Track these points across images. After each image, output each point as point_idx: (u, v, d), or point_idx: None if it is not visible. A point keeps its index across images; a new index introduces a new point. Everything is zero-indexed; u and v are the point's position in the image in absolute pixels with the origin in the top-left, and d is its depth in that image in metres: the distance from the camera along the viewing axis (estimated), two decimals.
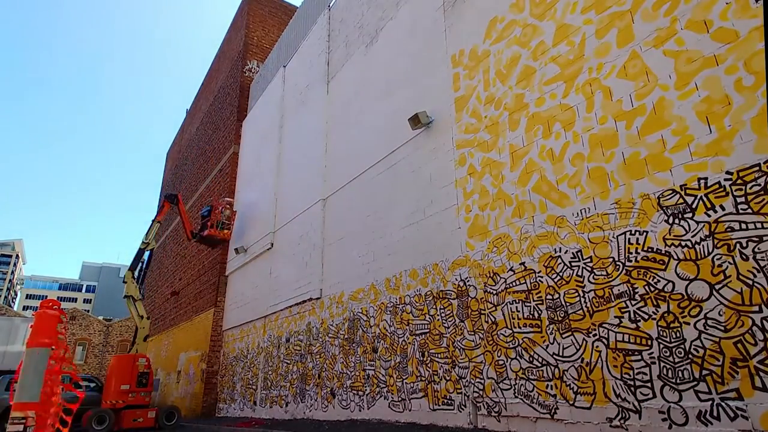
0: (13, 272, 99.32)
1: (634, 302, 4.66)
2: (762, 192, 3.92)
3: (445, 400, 6.61)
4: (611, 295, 4.87)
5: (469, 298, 6.60)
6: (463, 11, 8.01)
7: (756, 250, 3.88)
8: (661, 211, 4.59)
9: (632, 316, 4.65)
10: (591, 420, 4.79)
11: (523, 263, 5.93)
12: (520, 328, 5.78)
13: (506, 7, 7.04)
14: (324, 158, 11.79)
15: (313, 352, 10.33)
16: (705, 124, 4.40)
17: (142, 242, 15.11)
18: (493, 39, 7.17)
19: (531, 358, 5.57)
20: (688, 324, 4.21)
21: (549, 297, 5.49)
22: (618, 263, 4.87)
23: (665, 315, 4.38)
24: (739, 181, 4.08)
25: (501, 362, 5.92)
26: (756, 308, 3.81)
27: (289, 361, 11.37)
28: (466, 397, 6.30)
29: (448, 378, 6.66)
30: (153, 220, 15.66)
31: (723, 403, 3.89)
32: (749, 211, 3.98)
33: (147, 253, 15.24)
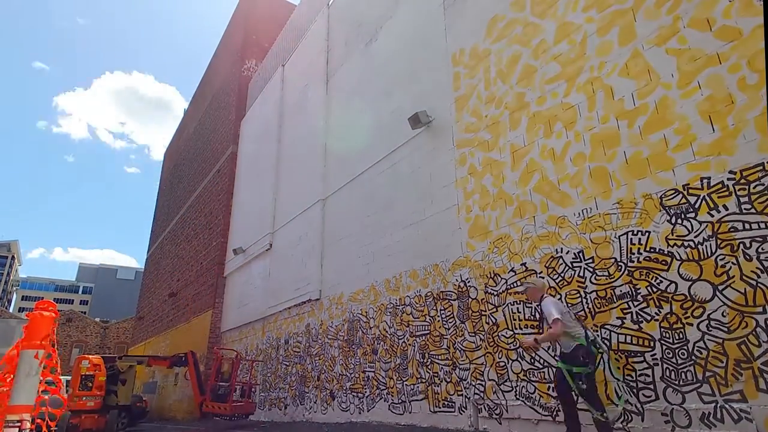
0: (8, 273, 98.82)
1: (636, 303, 4.62)
2: (766, 191, 3.88)
3: (446, 403, 6.56)
4: (613, 296, 4.84)
5: (470, 299, 6.56)
6: (464, 9, 7.96)
7: (760, 250, 3.85)
8: (664, 211, 4.56)
9: (634, 317, 4.61)
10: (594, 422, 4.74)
11: (524, 264, 5.89)
12: (521, 329, 5.74)
13: (507, 5, 7.01)
14: (323, 158, 11.74)
15: (313, 354, 10.27)
16: (708, 123, 4.36)
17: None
18: (494, 38, 7.13)
19: (532, 360, 5.53)
20: (691, 325, 4.17)
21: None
22: (620, 264, 4.84)
23: (668, 316, 4.35)
24: (742, 181, 4.05)
25: (502, 364, 5.88)
26: (760, 309, 3.78)
27: (288, 363, 11.31)
28: (467, 399, 6.26)
29: (448, 380, 6.61)
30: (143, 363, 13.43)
31: (727, 406, 3.85)
32: (753, 210, 3.94)
33: None
